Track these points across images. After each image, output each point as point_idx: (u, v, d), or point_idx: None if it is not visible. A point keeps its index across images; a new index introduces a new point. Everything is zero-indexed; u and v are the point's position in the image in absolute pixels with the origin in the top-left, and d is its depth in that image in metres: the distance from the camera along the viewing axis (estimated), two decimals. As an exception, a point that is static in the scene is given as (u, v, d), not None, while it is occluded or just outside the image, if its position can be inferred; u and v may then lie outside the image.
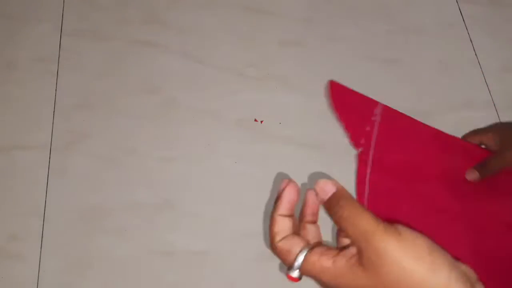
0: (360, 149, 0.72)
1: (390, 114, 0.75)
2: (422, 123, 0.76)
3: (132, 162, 0.72)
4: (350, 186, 0.74)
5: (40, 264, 0.65)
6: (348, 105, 0.74)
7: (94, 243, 0.67)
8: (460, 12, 0.90)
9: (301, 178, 0.74)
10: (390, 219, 0.48)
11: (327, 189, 0.34)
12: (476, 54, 0.86)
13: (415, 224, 0.51)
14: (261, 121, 0.77)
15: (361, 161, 0.72)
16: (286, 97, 0.79)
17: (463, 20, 0.89)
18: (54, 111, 0.74)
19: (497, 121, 0.81)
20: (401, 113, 0.76)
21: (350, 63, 0.83)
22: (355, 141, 0.73)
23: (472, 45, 0.87)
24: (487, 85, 0.83)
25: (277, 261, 0.68)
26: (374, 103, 0.75)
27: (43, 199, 0.69)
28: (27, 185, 0.69)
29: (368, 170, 0.72)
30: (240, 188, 0.72)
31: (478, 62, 0.85)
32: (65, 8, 0.82)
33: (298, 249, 0.34)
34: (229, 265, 0.67)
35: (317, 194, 0.35)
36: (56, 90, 0.76)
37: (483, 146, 0.74)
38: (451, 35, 0.88)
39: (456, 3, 0.91)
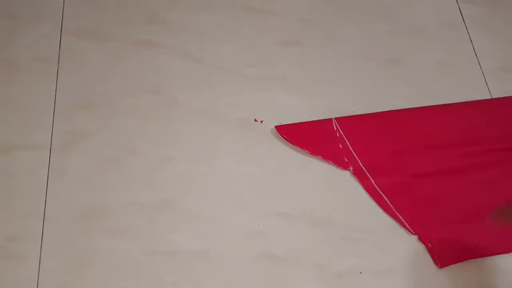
0: (350, 168, 0.73)
1: (346, 122, 0.76)
2: (374, 113, 0.78)
3: (132, 162, 0.72)
4: (351, 186, 0.74)
5: (40, 264, 0.65)
6: (309, 138, 0.74)
7: (94, 243, 0.67)
8: (460, 12, 0.90)
9: (301, 178, 0.74)
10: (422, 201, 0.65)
11: None
12: (476, 54, 0.86)
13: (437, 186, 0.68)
14: (261, 121, 0.77)
15: (359, 176, 0.73)
16: (286, 97, 0.79)
17: (463, 20, 0.89)
18: (54, 111, 0.74)
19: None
20: (353, 116, 0.77)
21: (350, 63, 0.83)
22: (341, 164, 0.73)
23: (472, 45, 0.87)
24: (487, 85, 0.83)
25: (277, 261, 0.68)
26: (327, 121, 0.76)
27: (43, 199, 0.69)
28: (27, 185, 0.69)
29: (372, 180, 0.72)
30: (240, 188, 0.72)
31: (478, 62, 0.85)
32: (65, 8, 0.82)
33: None
34: (229, 265, 0.67)
35: None
36: (56, 90, 0.76)
37: None
38: (451, 35, 0.88)
39: (456, 3, 0.91)
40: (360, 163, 0.73)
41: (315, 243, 0.70)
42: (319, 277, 0.68)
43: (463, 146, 0.76)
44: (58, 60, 0.78)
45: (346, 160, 0.73)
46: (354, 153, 0.73)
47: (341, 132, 0.74)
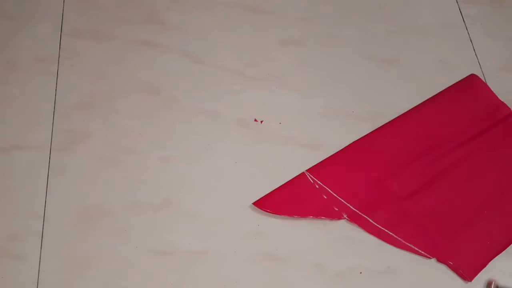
0: (344, 215, 0.71)
1: (320, 171, 0.73)
2: (340, 151, 0.75)
3: (132, 162, 0.72)
4: (350, 186, 0.74)
5: (40, 264, 0.65)
6: (291, 202, 0.71)
7: (94, 243, 0.67)
8: (460, 12, 0.90)
9: (301, 178, 0.74)
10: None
11: None
12: (476, 54, 0.86)
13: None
14: (261, 121, 0.77)
15: (356, 220, 0.71)
16: (286, 97, 0.79)
17: (463, 20, 0.89)
18: (54, 111, 0.74)
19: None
20: (322, 162, 0.74)
21: (350, 63, 0.83)
22: (333, 215, 0.71)
23: (472, 45, 0.87)
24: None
25: (277, 261, 0.68)
26: (301, 177, 0.72)
27: (43, 199, 0.69)
28: (27, 185, 0.69)
29: (369, 219, 0.71)
30: (240, 188, 0.72)
31: (478, 62, 0.85)
32: (65, 8, 0.82)
33: None
34: (229, 265, 0.67)
35: None
36: (56, 90, 0.76)
37: None
38: (451, 35, 0.88)
39: (456, 3, 0.91)
40: (351, 207, 0.71)
41: (315, 243, 0.70)
42: (319, 277, 0.68)
43: (433, 149, 0.76)
44: (58, 60, 0.78)
45: (337, 209, 0.71)
46: (341, 199, 0.71)
47: (319, 183, 0.72)
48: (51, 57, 0.78)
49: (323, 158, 0.74)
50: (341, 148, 0.75)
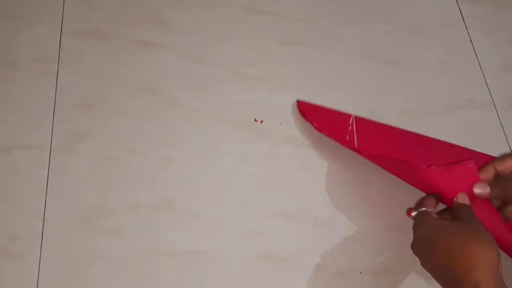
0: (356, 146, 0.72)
1: (362, 122, 0.75)
2: (392, 126, 0.77)
3: (132, 162, 0.72)
4: (351, 186, 0.74)
5: (40, 264, 0.65)
6: (323, 118, 0.75)
7: (94, 243, 0.67)
8: (460, 12, 0.90)
9: (300, 178, 0.74)
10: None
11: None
12: (476, 54, 0.86)
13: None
14: (261, 121, 0.77)
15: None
16: (286, 97, 0.79)
17: (463, 20, 0.89)
18: (54, 111, 0.74)
19: (497, 121, 0.81)
20: (372, 120, 0.77)
21: (350, 63, 0.83)
22: (343, 141, 0.72)
23: (472, 45, 0.87)
24: (487, 85, 0.83)
25: (277, 261, 0.68)
26: (346, 115, 0.76)
27: (43, 199, 0.69)
28: (27, 185, 0.69)
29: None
30: (240, 188, 0.72)
31: (478, 62, 0.85)
32: (65, 8, 0.82)
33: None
34: (229, 265, 0.67)
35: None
36: (56, 90, 0.76)
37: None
38: (451, 35, 0.88)
39: (456, 3, 0.91)
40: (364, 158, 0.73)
41: (315, 243, 0.70)
42: (319, 277, 0.68)
43: None
44: (58, 60, 0.78)
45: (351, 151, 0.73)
46: (356, 147, 0.72)
47: (354, 128, 0.74)
48: (51, 57, 0.78)
49: (323, 158, 0.75)
50: (344, 147, 0.75)
